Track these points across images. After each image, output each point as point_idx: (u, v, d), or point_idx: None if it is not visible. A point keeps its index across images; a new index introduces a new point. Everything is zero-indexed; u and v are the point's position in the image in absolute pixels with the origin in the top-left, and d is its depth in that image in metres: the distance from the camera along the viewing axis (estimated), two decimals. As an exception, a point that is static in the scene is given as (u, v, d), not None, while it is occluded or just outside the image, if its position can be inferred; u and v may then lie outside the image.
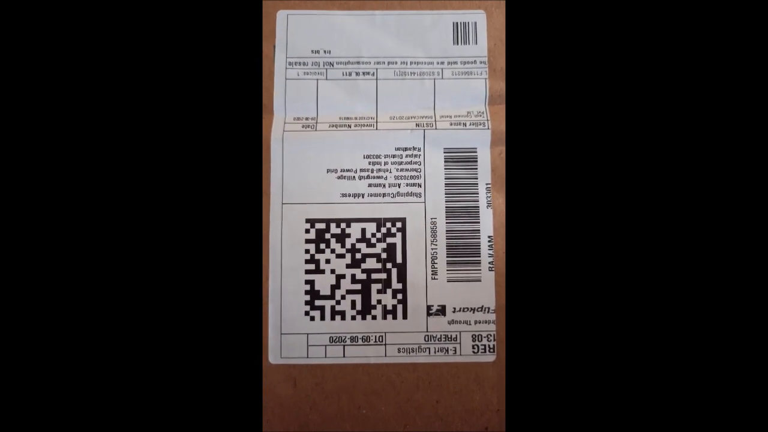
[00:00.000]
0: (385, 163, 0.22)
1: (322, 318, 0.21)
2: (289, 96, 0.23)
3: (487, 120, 0.22)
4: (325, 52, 0.23)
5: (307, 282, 0.22)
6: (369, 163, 0.22)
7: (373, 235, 0.22)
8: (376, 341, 0.21)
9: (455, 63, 0.23)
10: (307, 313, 0.21)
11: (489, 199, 0.22)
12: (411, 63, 0.23)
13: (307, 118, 0.22)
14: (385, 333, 0.21)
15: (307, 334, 0.21)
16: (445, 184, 0.22)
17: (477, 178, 0.22)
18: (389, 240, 0.22)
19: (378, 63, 0.23)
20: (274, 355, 0.21)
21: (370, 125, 0.22)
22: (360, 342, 0.21)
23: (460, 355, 0.21)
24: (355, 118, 0.22)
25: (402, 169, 0.22)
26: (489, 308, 0.22)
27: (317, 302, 0.22)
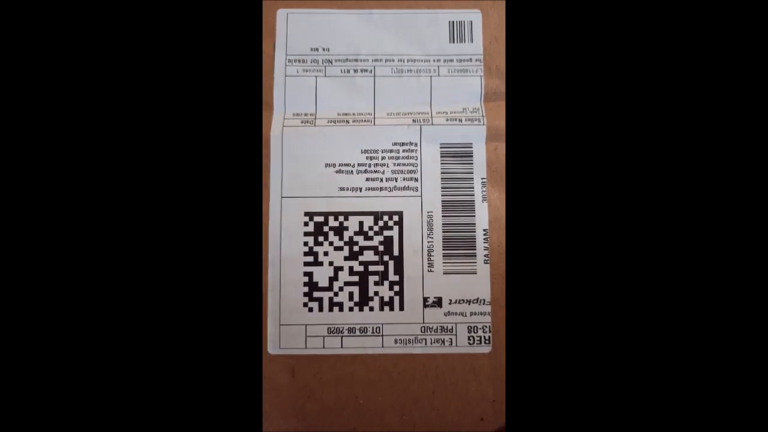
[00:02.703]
0: (383, 158, 0.23)
1: (321, 309, 0.22)
2: (289, 92, 0.23)
3: (483, 116, 0.23)
4: (324, 49, 0.23)
5: (305, 274, 0.22)
6: (366, 158, 0.23)
7: (371, 228, 0.22)
8: (373, 332, 0.22)
9: (451, 61, 0.23)
10: (305, 305, 0.22)
11: (484, 194, 0.22)
12: (408, 60, 0.23)
13: (306, 114, 0.23)
14: (383, 324, 0.22)
15: (306, 325, 0.22)
16: (441, 178, 0.22)
17: (472, 173, 0.23)
18: (386, 233, 0.22)
19: (376, 60, 0.23)
20: (273, 346, 0.22)
21: (368, 121, 0.23)
22: (357, 333, 0.22)
23: (456, 346, 0.22)
24: (353, 114, 0.23)
25: (399, 164, 0.23)
26: (484, 300, 0.22)
27: (316, 294, 0.22)
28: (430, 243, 0.22)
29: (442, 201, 0.22)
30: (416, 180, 0.23)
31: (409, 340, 0.22)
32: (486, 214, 0.22)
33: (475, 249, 0.22)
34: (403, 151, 0.23)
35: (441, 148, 0.23)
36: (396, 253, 0.22)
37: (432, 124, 0.23)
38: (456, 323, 0.22)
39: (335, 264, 0.22)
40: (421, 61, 0.23)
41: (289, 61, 0.23)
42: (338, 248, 0.22)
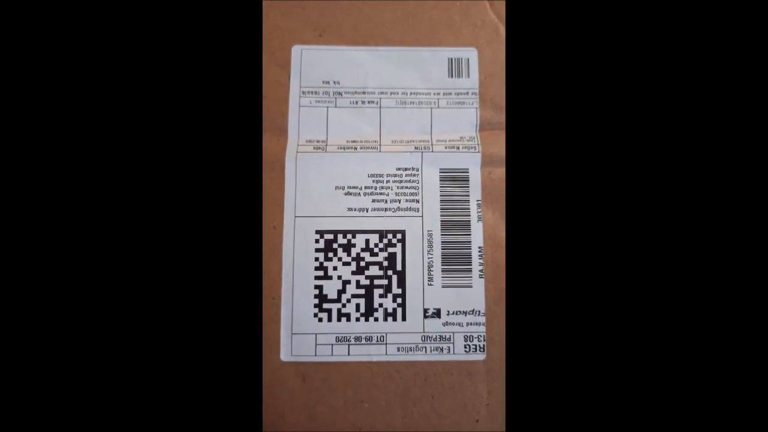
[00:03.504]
0: (387, 182, 0.25)
1: (330, 319, 0.23)
2: (302, 121, 0.25)
3: (478, 144, 0.25)
4: (334, 82, 0.25)
5: (316, 287, 0.24)
6: (373, 181, 0.25)
7: (376, 245, 0.24)
8: (378, 341, 0.23)
9: (450, 94, 0.26)
10: (315, 315, 0.23)
11: (479, 214, 0.24)
12: (411, 93, 0.25)
13: (318, 141, 0.25)
14: (386, 333, 0.23)
15: (316, 334, 0.23)
16: (441, 200, 0.24)
17: (469, 196, 0.24)
18: (390, 250, 0.24)
19: (382, 93, 0.25)
20: (285, 353, 0.23)
21: (374, 147, 0.25)
22: (363, 341, 0.23)
23: (454, 353, 0.23)
24: (361, 141, 0.25)
25: (402, 187, 0.25)
26: (479, 311, 0.24)
27: (325, 305, 0.24)
28: (430, 259, 0.24)
29: (441, 221, 0.24)
30: (418, 201, 0.25)
31: (410, 348, 0.23)
32: (481, 233, 0.24)
33: (471, 265, 0.24)
34: (406, 175, 0.25)
35: (440, 172, 0.25)
36: (399, 268, 0.24)
37: (432, 150, 0.25)
38: (453, 332, 0.24)
39: (343, 278, 0.24)
40: (423, 93, 0.26)
41: (303, 92, 0.25)
42: (346, 263, 0.24)
